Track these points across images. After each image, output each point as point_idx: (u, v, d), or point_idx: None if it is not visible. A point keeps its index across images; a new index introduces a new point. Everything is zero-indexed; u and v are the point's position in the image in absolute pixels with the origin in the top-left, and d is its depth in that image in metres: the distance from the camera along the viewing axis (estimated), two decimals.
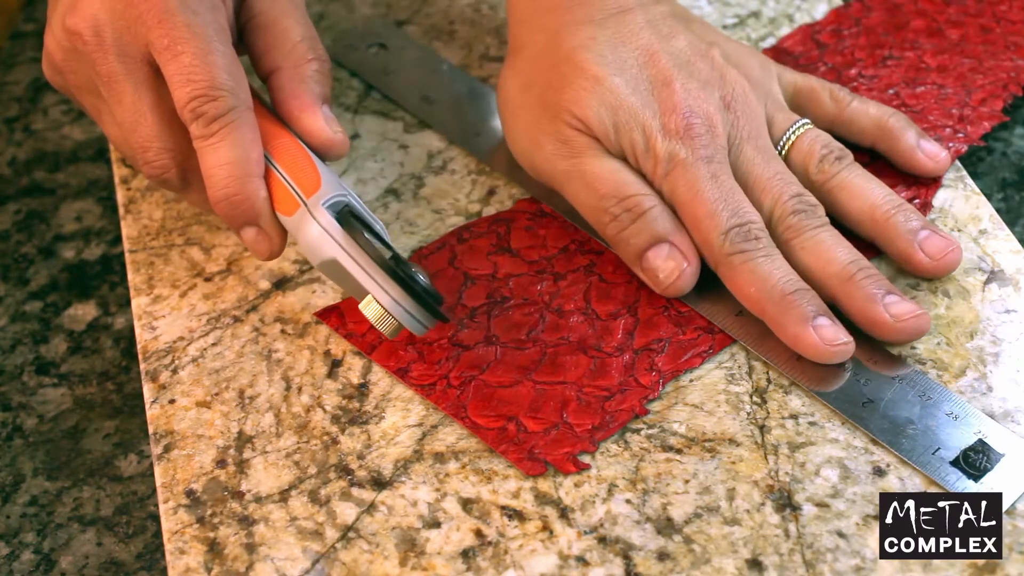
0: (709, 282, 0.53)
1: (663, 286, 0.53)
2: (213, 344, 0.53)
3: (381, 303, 0.49)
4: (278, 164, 0.51)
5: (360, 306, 0.50)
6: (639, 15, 0.56)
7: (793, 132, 0.56)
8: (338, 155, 0.53)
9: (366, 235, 0.49)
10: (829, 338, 0.50)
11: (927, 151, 0.57)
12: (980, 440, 0.48)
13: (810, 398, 0.50)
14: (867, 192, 0.54)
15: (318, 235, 0.50)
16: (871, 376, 0.50)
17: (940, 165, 0.57)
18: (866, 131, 0.58)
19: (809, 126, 0.56)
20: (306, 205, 0.50)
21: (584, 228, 0.57)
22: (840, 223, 0.55)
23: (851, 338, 0.50)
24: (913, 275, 0.54)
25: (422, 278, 0.50)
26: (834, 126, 0.58)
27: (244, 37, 0.54)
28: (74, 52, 0.52)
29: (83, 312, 0.58)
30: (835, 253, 0.52)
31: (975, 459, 0.47)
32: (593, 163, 0.55)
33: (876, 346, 0.51)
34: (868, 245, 0.55)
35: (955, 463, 0.47)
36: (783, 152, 0.56)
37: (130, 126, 0.51)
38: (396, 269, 0.49)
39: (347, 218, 0.50)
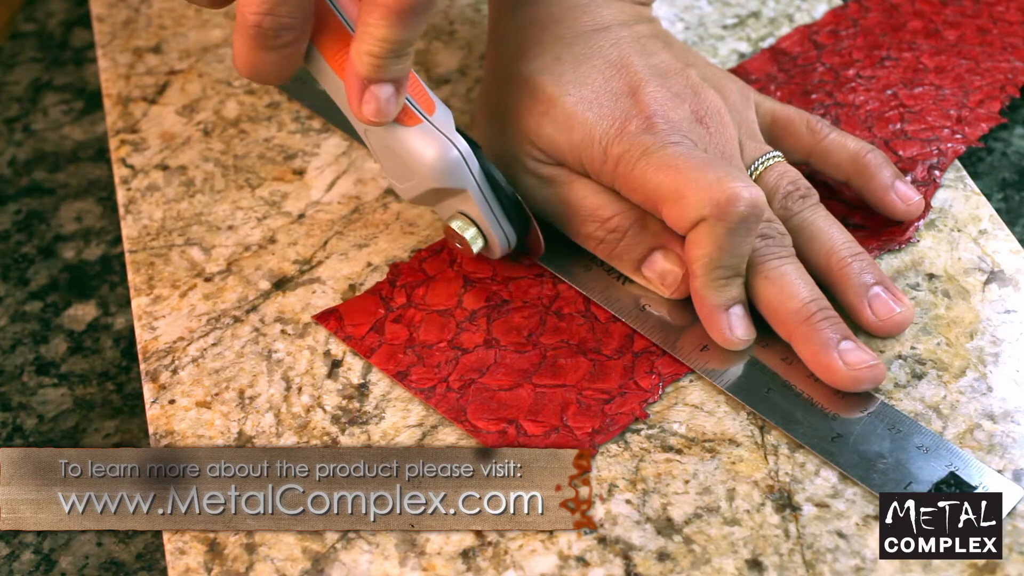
0: (675, 320, 0.53)
1: (669, 291, 0.53)
2: (213, 344, 0.53)
3: (488, 229, 0.53)
4: None
5: (448, 220, 0.53)
6: (615, 32, 0.55)
7: (762, 163, 0.54)
8: None
9: (488, 166, 0.52)
10: (734, 327, 0.50)
11: (900, 193, 0.55)
12: (952, 473, 0.47)
13: None
14: (827, 236, 0.52)
15: (455, 161, 0.51)
16: (839, 411, 0.49)
17: (911, 209, 0.55)
18: (842, 165, 0.56)
19: (779, 159, 0.54)
20: (430, 122, 0.51)
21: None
22: None
23: (755, 334, 0.51)
24: (864, 330, 0.52)
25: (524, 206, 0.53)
26: (810, 157, 0.56)
27: None
28: None
29: (83, 312, 0.58)
30: (796, 289, 0.50)
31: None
32: (566, 191, 0.54)
33: None
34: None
35: None
36: None
37: None
38: (516, 201, 0.52)
39: (475, 148, 0.51)
